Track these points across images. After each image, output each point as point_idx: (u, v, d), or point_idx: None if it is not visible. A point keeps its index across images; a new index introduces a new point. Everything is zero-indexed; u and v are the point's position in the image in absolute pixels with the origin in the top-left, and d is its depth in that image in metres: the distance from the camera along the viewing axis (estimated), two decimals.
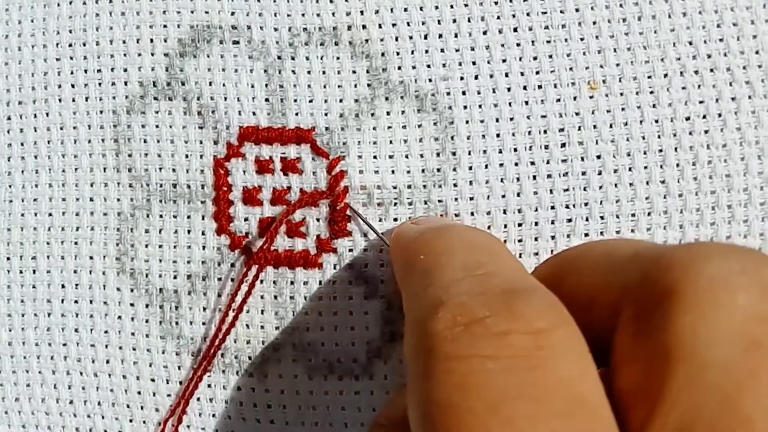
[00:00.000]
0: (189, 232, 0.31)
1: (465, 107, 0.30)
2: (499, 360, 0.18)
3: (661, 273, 0.18)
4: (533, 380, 0.18)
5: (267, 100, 0.31)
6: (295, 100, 0.31)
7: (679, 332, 0.17)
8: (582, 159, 0.29)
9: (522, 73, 0.30)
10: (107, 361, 0.32)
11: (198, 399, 0.31)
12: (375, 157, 0.30)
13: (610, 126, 0.29)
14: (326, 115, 0.30)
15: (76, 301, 0.32)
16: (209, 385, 0.31)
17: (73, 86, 0.32)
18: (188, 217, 0.31)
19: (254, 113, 0.31)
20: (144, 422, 0.32)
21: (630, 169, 0.29)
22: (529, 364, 0.18)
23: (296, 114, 0.31)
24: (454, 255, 0.22)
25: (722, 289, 0.17)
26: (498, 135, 0.30)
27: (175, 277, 0.31)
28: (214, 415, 0.31)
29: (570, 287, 0.22)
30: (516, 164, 0.30)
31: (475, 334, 0.18)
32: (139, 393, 0.32)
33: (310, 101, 0.31)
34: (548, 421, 0.17)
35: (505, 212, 0.30)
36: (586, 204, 0.29)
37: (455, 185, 0.30)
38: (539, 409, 0.17)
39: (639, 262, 0.20)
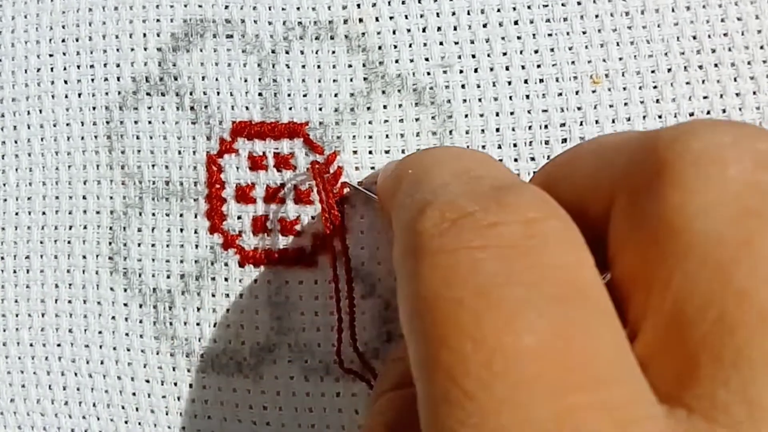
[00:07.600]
0: (182, 230, 0.31)
1: (464, 101, 0.29)
2: (489, 249, 0.17)
3: (647, 155, 0.18)
4: (525, 266, 0.16)
5: (260, 94, 0.30)
6: (289, 95, 0.30)
7: (668, 210, 0.17)
8: None
9: (523, 67, 0.29)
10: (101, 362, 0.31)
11: (193, 400, 0.31)
12: (371, 152, 0.29)
13: (613, 121, 0.29)
14: (320, 109, 0.30)
15: (69, 301, 0.32)
16: (204, 387, 0.31)
17: (65, 82, 0.32)
18: (181, 215, 0.31)
19: (247, 108, 0.30)
20: (139, 423, 0.31)
21: None
22: (520, 251, 0.17)
23: (290, 108, 0.30)
24: (443, 165, 0.21)
25: (711, 162, 0.16)
26: (498, 130, 0.29)
27: (168, 277, 0.31)
28: (209, 417, 0.31)
29: (562, 194, 0.20)
30: (515, 160, 0.29)
31: (463, 227, 0.17)
32: (134, 394, 0.31)
33: (304, 95, 0.30)
34: (540, 305, 0.16)
35: None
36: None
37: None
38: (531, 294, 0.16)
39: (626, 150, 0.19)
